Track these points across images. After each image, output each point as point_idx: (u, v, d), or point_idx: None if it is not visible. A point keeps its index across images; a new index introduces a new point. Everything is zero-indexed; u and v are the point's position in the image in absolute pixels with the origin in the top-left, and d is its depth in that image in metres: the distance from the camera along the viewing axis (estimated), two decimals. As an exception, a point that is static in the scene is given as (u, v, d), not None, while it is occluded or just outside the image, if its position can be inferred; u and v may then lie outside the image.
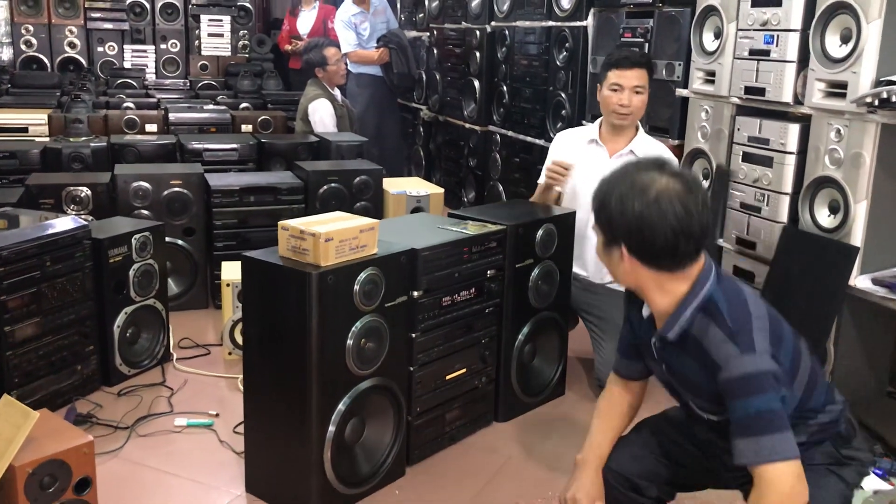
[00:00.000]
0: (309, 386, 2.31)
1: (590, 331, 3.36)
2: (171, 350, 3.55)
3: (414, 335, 2.61)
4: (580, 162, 3.25)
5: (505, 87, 5.45)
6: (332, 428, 2.37)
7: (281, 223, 2.36)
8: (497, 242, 2.85)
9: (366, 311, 2.39)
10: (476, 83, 5.78)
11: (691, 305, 1.69)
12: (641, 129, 3.34)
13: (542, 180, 3.38)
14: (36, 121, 5.79)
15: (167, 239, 3.94)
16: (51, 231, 2.93)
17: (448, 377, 2.78)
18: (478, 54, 5.71)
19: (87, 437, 2.17)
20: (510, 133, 5.42)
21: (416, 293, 2.58)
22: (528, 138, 5.17)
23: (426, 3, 6.77)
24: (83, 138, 4.89)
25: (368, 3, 6.49)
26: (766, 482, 1.61)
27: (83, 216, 3.85)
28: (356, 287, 2.34)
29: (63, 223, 3.03)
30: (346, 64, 6.01)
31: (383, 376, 2.50)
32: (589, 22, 4.47)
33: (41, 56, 8.01)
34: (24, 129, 5.75)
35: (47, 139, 5.13)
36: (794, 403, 1.75)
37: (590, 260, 3.29)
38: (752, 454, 1.62)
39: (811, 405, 1.80)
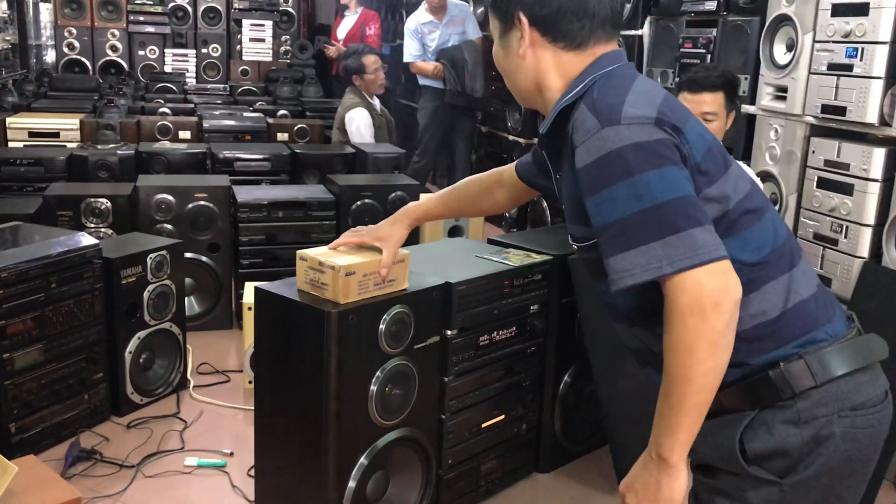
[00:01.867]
0: (326, 437, 2.05)
1: None
2: (189, 376, 3.32)
3: (447, 379, 2.33)
4: None
5: (552, 99, 5.15)
6: (351, 484, 2.10)
7: (299, 253, 2.10)
8: (542, 275, 2.56)
9: (392, 353, 2.12)
10: (522, 94, 5.48)
11: (575, 90, 1.37)
12: None
13: None
14: (68, 126, 5.65)
15: (190, 255, 3.74)
16: (57, 250, 2.71)
17: (484, 425, 2.50)
18: (525, 63, 5.41)
19: (73, 492, 1.93)
20: (557, 147, 5.11)
21: (449, 332, 2.30)
22: (577, 153, 4.85)
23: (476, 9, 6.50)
24: (111, 145, 4.70)
25: (444, 14, 6.18)
26: (673, 293, 1.20)
27: (103, 230, 3.66)
28: (382, 327, 2.07)
29: (72, 241, 2.81)
30: (384, 73, 5.75)
31: (411, 426, 2.22)
32: (644, 31, 4.15)
33: (83, 59, 7.91)
34: (56, 135, 5.62)
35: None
36: None
37: None
38: (640, 268, 1.21)
39: (735, 250, 1.26)
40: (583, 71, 1.39)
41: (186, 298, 3.79)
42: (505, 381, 2.53)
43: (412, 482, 2.29)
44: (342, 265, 1.98)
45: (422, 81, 6.26)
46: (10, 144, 5.52)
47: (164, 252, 3.07)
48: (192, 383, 3.27)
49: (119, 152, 4.55)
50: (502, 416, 2.55)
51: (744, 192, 1.34)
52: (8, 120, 5.37)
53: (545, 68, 1.41)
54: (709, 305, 1.18)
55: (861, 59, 2.82)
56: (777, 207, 3.19)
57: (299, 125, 5.76)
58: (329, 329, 1.98)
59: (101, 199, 3.65)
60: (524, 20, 1.39)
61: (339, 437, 2.05)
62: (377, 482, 2.21)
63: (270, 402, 2.18)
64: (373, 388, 2.09)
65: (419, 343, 2.19)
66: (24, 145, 5.42)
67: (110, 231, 3.65)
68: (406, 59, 6.14)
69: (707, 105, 2.73)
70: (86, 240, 2.84)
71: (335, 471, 2.07)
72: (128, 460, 2.69)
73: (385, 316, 2.08)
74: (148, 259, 3.01)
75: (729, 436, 1.31)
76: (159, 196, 3.72)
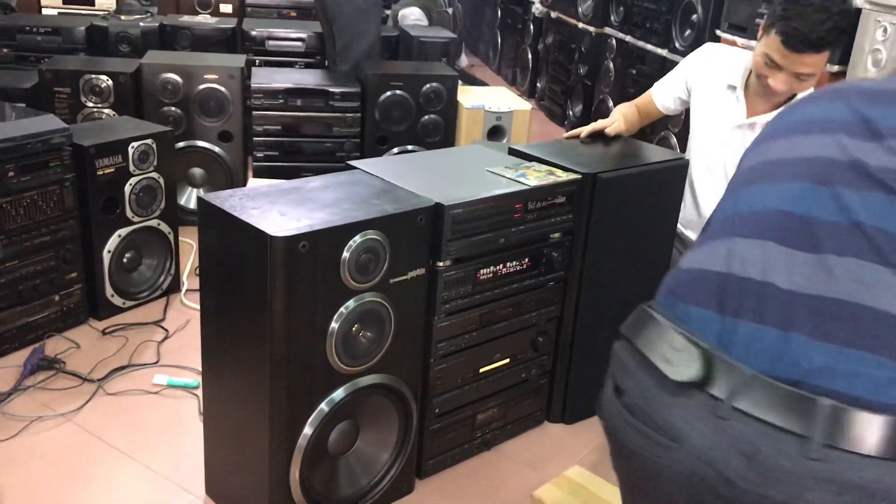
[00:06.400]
0: (274, 381, 1.70)
1: None
2: (185, 278, 3.02)
3: (435, 318, 1.94)
4: (711, 107, 2.41)
5: (627, -18, 4.51)
6: (307, 431, 1.76)
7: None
8: (566, 197, 2.10)
9: (359, 289, 1.73)
10: (594, -25, 4.83)
11: None
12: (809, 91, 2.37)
13: (655, 96, 2.55)
14: (103, -8, 5.31)
15: (200, 144, 3.40)
16: (14, 133, 2.37)
17: (482, 370, 2.12)
18: (600, -60, 4.74)
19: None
20: (628, 38, 4.51)
21: (440, 264, 1.90)
22: (648, 46, 4.26)
23: None
24: (135, 16, 4.33)
25: None
26: None
27: (106, 111, 3.32)
28: (345, 256, 1.68)
29: (36, 124, 2.47)
30: None
31: (386, 373, 1.86)
32: None
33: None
34: (91, 2, 5.28)
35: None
36: None
37: (701, 219, 2.49)
38: None
39: None
40: None
41: (195, 191, 3.49)
42: (512, 320, 2.13)
43: (387, 435, 1.94)
44: None
45: None
46: (44, 11, 5.22)
47: (148, 140, 2.71)
48: (185, 287, 2.98)
49: (142, 24, 4.18)
50: (506, 360, 2.16)
51: None
52: (39, -16, 5.05)
53: None
54: None
55: None
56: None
57: (347, 2, 5.25)
58: (273, 257, 1.59)
59: (101, 77, 3.29)
60: None
61: (287, 383, 1.70)
62: (344, 433, 1.88)
63: (215, 335, 1.83)
64: (334, 325, 1.71)
65: (398, 276, 1.79)
66: (58, 13, 5.11)
67: (112, 112, 3.31)
68: None
69: (807, 66, 2.09)
70: (53, 123, 2.50)
71: (282, 420, 1.72)
72: (92, 373, 2.42)
73: (350, 243, 1.68)
74: (130, 148, 2.66)
75: None
76: (165, 76, 3.34)
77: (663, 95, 2.54)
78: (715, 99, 2.40)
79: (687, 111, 2.58)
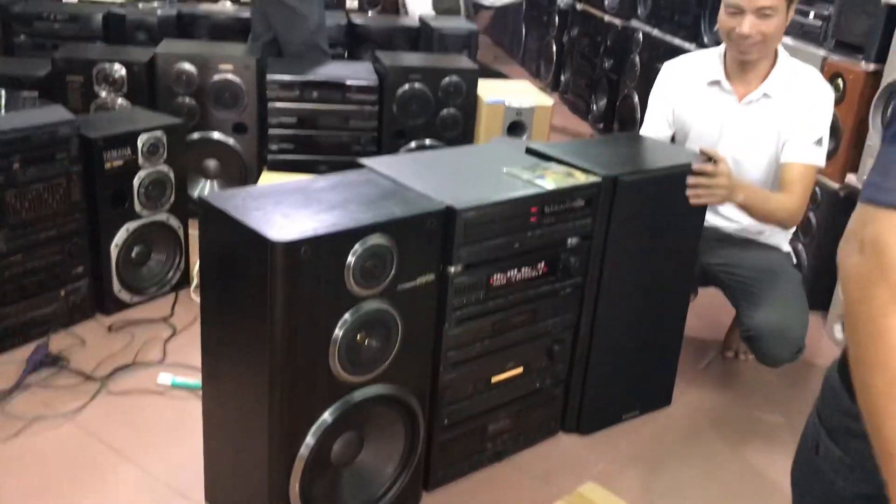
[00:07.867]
0: (274, 389, 1.62)
1: (729, 287, 2.43)
2: (194, 274, 2.96)
3: (445, 326, 1.86)
4: (700, 109, 2.39)
5: (655, -26, 4.39)
6: (309, 441, 1.69)
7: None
8: (585, 200, 2.01)
9: (365, 295, 1.65)
10: (622, -34, 4.71)
11: None
12: (783, 55, 2.34)
13: (650, 132, 2.49)
14: (127, -21, 5.25)
15: (214, 135, 3.34)
16: (20, 124, 2.32)
17: (495, 379, 2.03)
18: (628, -70, 4.61)
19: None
20: (654, 32, 4.40)
21: (451, 270, 1.81)
22: (676, 40, 4.15)
23: None
24: (154, 4, 4.28)
25: None
26: None
27: (119, 100, 3.27)
28: (350, 261, 1.60)
29: (43, 114, 2.41)
30: None
31: (392, 382, 1.78)
32: None
33: None
34: (114, -11, 5.23)
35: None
36: None
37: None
38: None
39: None
40: None
41: (208, 183, 3.43)
42: (527, 328, 2.04)
43: (393, 447, 1.87)
44: None
45: None
46: (66, -1, 5.19)
47: (158, 133, 2.65)
48: (194, 282, 2.92)
49: (160, 12, 4.13)
50: (520, 369, 2.08)
51: None
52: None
53: None
54: None
55: None
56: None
57: (370, -9, 5.17)
58: (274, 263, 1.52)
59: (115, 66, 3.23)
60: None
61: (288, 393, 1.63)
62: (348, 443, 1.80)
63: (215, 339, 1.76)
64: (337, 332, 1.63)
65: (406, 283, 1.71)
66: (77, 0, 5.07)
67: (126, 102, 3.26)
68: None
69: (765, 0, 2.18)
70: (59, 114, 2.44)
71: (282, 429, 1.65)
72: (96, 371, 2.37)
73: (356, 247, 1.60)
74: (139, 141, 2.60)
75: None
76: (180, 65, 3.28)
77: (655, 127, 2.51)
78: (700, 100, 2.41)
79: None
